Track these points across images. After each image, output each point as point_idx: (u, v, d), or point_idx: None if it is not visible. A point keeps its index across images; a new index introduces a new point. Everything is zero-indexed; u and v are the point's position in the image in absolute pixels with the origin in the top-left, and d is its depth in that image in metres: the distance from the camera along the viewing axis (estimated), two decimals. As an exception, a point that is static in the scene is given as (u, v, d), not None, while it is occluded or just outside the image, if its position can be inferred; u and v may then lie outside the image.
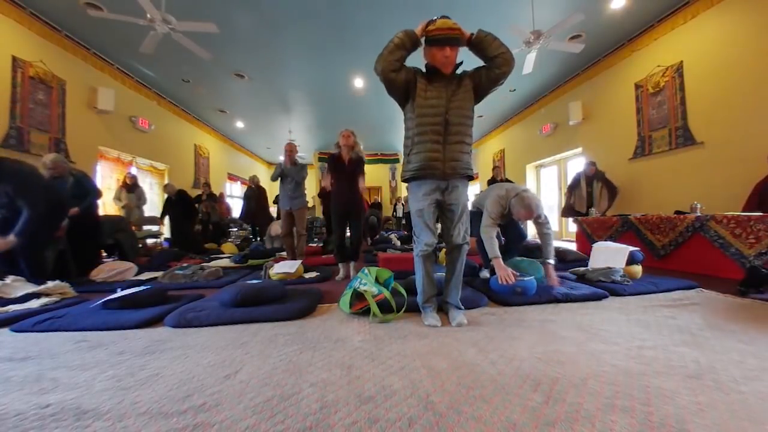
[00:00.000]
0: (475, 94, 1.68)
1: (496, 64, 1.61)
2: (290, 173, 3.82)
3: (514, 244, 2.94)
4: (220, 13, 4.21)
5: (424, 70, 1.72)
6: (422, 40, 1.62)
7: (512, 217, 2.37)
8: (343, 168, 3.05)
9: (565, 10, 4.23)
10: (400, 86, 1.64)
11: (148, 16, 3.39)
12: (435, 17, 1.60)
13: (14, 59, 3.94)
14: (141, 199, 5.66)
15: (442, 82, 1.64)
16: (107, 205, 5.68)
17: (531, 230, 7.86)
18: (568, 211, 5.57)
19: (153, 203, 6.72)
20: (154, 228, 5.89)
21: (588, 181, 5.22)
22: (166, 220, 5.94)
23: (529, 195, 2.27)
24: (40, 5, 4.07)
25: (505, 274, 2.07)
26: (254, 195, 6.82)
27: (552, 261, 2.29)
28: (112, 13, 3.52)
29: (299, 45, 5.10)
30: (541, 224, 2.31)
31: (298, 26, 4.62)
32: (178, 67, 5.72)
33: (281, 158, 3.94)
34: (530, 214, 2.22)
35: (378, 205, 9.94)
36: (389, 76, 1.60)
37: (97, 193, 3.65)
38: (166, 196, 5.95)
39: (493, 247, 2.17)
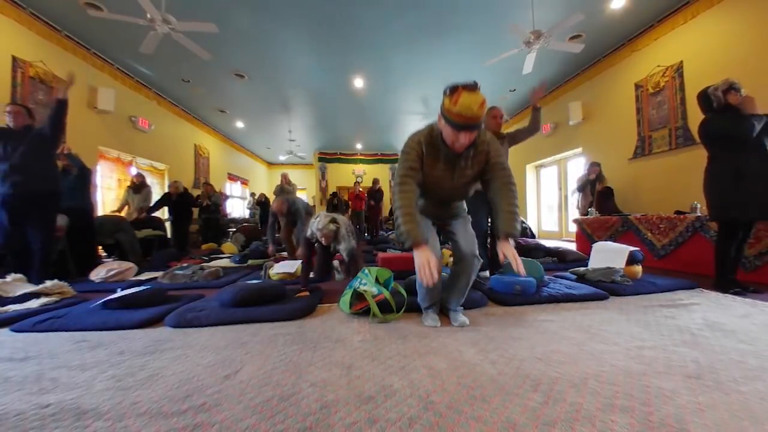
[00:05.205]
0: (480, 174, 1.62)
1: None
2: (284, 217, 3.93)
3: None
4: (220, 13, 4.21)
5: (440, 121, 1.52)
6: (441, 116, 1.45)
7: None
8: (327, 251, 2.73)
9: (565, 10, 4.22)
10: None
11: (148, 16, 3.39)
12: (459, 85, 1.35)
13: (14, 59, 3.94)
14: (147, 199, 5.52)
15: (450, 157, 1.53)
16: (107, 205, 5.68)
17: (534, 230, 7.87)
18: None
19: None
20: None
21: (591, 183, 5.21)
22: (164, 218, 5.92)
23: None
24: (40, 5, 4.07)
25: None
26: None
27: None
28: (112, 13, 3.51)
29: (299, 45, 5.10)
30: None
31: (298, 26, 4.62)
32: (177, 67, 5.72)
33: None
34: (498, 116, 2.07)
35: (375, 196, 7.93)
36: None
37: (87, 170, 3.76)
38: (166, 191, 5.91)
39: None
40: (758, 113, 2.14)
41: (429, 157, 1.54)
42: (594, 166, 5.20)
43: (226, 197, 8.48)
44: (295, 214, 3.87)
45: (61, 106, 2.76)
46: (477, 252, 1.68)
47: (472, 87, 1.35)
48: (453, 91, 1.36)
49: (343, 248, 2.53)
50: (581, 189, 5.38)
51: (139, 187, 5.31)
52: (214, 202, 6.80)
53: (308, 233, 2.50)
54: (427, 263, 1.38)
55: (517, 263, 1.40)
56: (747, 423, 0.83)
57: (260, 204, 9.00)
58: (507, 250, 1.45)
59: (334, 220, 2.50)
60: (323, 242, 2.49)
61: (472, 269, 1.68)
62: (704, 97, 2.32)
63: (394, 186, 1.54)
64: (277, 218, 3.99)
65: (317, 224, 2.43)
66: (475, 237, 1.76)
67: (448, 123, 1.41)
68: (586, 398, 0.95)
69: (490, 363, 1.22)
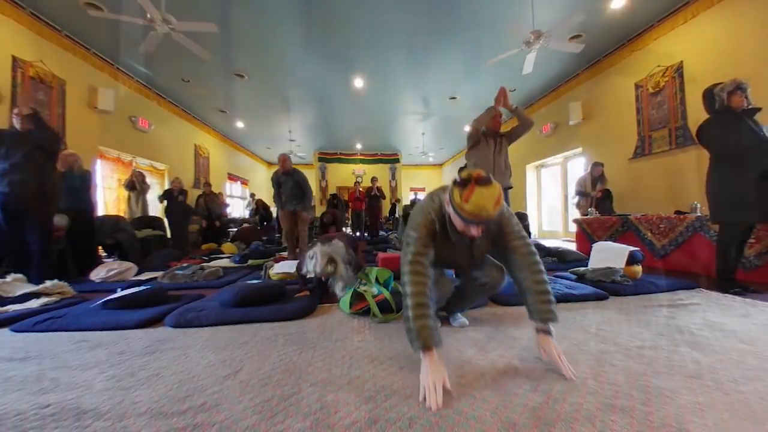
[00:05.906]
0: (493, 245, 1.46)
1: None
2: (285, 181, 3.97)
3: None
4: (220, 13, 4.21)
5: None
6: (449, 205, 1.24)
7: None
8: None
9: (565, 10, 4.22)
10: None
11: (148, 16, 3.39)
12: (472, 178, 1.14)
13: (14, 59, 3.94)
14: (145, 193, 5.82)
15: (461, 238, 1.38)
16: (108, 205, 5.69)
17: (533, 231, 7.87)
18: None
19: (153, 203, 6.72)
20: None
21: (593, 182, 5.20)
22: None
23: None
24: (40, 5, 4.07)
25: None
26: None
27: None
28: (112, 13, 3.51)
29: (299, 45, 5.10)
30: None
31: (298, 26, 4.62)
32: (178, 67, 5.72)
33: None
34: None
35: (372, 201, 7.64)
36: None
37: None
38: (168, 188, 6.01)
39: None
40: None
41: (440, 236, 1.37)
42: (597, 165, 5.17)
43: (227, 205, 8.60)
44: (300, 184, 3.91)
45: (34, 120, 2.77)
46: (501, 270, 1.51)
47: (486, 181, 1.13)
48: (464, 184, 1.15)
49: (340, 288, 2.28)
50: (581, 194, 5.35)
51: (141, 183, 5.66)
52: (215, 212, 6.86)
53: (303, 270, 2.39)
54: (433, 386, 0.99)
55: (562, 362, 1.12)
56: (747, 423, 0.83)
57: (258, 212, 9.15)
58: (548, 347, 1.17)
59: (331, 260, 2.30)
60: (321, 279, 2.38)
61: (499, 287, 1.54)
62: (709, 96, 2.32)
63: (403, 266, 1.28)
64: (280, 186, 4.04)
65: (313, 265, 2.28)
66: (497, 263, 1.54)
67: (458, 216, 1.20)
68: (586, 398, 0.95)
69: (490, 363, 1.22)
